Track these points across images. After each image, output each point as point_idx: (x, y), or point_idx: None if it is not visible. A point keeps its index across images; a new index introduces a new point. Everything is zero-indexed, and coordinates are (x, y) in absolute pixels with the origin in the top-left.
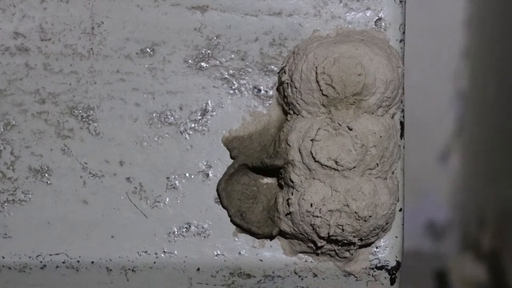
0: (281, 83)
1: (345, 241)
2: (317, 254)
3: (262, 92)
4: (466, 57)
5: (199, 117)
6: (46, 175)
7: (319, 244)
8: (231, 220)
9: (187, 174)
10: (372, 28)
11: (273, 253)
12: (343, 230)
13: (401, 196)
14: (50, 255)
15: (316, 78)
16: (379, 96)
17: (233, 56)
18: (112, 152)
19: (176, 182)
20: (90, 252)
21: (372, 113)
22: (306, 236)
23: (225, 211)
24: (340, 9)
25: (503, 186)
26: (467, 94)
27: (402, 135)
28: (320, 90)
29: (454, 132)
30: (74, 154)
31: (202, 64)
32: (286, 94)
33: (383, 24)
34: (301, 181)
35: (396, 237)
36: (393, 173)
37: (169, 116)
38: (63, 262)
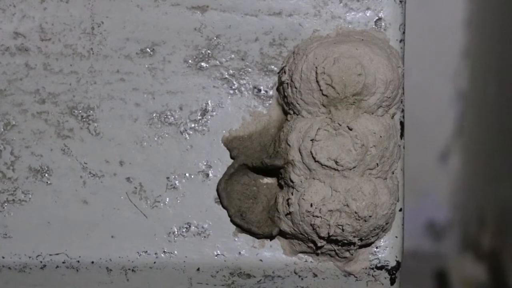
0: (281, 83)
1: (345, 241)
2: (317, 254)
3: (262, 92)
4: (466, 57)
5: (199, 117)
6: (46, 175)
7: (319, 244)
8: (231, 220)
9: (187, 174)
10: (372, 28)
11: (273, 253)
12: (343, 230)
13: (401, 196)
14: (50, 255)
15: (316, 78)
16: (379, 96)
17: (233, 56)
18: (112, 152)
19: (176, 182)
20: (90, 252)
21: (372, 113)
22: (306, 236)
23: (225, 211)
24: (340, 9)
25: (503, 186)
26: (467, 94)
27: (402, 135)
28: (320, 90)
29: (454, 132)
30: (74, 154)
31: (202, 64)
32: (286, 94)
33: (383, 24)
34: (301, 181)
35: (396, 237)
36: (393, 173)
37: (169, 116)
38: (63, 262)
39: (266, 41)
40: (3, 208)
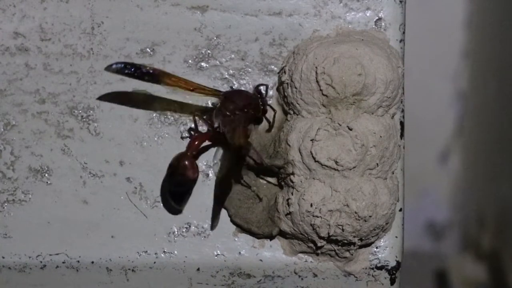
0: (281, 83)
1: (345, 241)
2: (317, 254)
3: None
4: (466, 57)
5: None
6: (46, 175)
7: (319, 244)
8: (231, 220)
9: None
10: (372, 28)
11: (273, 253)
12: (343, 230)
13: (401, 196)
14: (50, 255)
15: (316, 78)
16: (379, 96)
17: (233, 56)
18: (112, 152)
19: None
20: (90, 252)
21: (372, 113)
22: (306, 236)
23: (225, 211)
24: (340, 9)
25: (503, 186)
26: (467, 94)
27: (402, 135)
28: (320, 90)
29: (454, 132)
30: (74, 154)
31: (202, 64)
32: (286, 94)
33: (383, 24)
34: (301, 181)
35: (396, 237)
36: (393, 173)
37: (169, 116)
38: (63, 262)
39: (266, 41)
40: (3, 208)
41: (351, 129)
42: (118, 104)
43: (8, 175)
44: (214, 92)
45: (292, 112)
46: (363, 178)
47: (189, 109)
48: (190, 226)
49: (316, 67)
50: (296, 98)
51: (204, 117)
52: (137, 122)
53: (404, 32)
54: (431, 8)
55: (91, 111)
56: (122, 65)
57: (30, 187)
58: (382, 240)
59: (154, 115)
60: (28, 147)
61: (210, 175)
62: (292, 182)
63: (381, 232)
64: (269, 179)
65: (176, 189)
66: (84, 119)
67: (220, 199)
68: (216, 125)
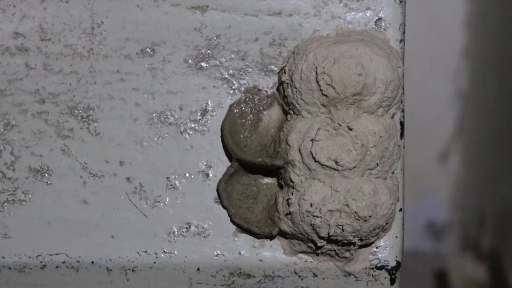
0: (281, 83)
1: (345, 241)
2: (317, 254)
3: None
4: (466, 57)
5: (199, 117)
6: (46, 175)
7: (319, 244)
8: (231, 220)
9: (187, 174)
10: (372, 28)
11: (273, 253)
12: (343, 230)
13: (401, 196)
14: (50, 255)
15: (316, 78)
16: (379, 96)
17: (233, 56)
18: (112, 152)
19: (176, 182)
20: (90, 252)
21: (372, 113)
22: (306, 236)
23: (225, 211)
24: (340, 9)
25: (503, 186)
26: (467, 94)
27: (402, 135)
28: (320, 90)
29: (454, 132)
30: (74, 154)
31: (202, 64)
32: (286, 94)
33: (383, 24)
34: (301, 181)
35: (396, 237)
36: (393, 173)
37: (169, 116)
38: (63, 262)
39: (266, 41)
40: (3, 208)
41: (351, 129)
42: (118, 104)
43: (8, 175)
44: None
45: (292, 112)
46: (363, 178)
47: None
48: (190, 226)
49: (316, 67)
50: (296, 98)
51: None
52: (137, 122)
53: (404, 32)
54: (431, 8)
55: (91, 111)
56: None
57: (30, 187)
58: (382, 240)
59: (154, 115)
60: (28, 147)
61: (210, 175)
62: (292, 182)
63: (381, 232)
64: (269, 179)
65: None
66: (84, 119)
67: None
68: None
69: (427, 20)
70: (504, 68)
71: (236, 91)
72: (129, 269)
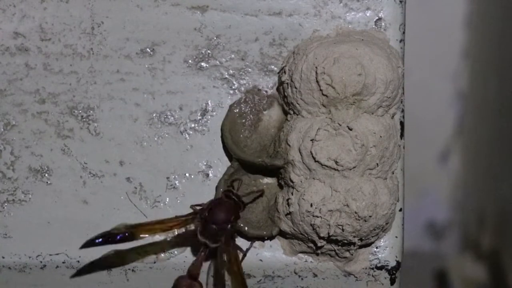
0: (281, 83)
1: (345, 241)
2: (317, 254)
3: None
4: (466, 57)
5: (199, 117)
6: (46, 175)
7: (319, 244)
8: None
9: (187, 174)
10: (372, 28)
11: (273, 253)
12: (343, 230)
13: (401, 196)
14: (50, 255)
15: (316, 78)
16: (379, 96)
17: (233, 56)
18: (112, 152)
19: (176, 182)
20: (90, 252)
21: (372, 113)
22: (306, 236)
23: None
24: (340, 9)
25: (503, 186)
26: (467, 94)
27: (402, 135)
28: (320, 90)
29: (454, 132)
30: (74, 154)
31: (202, 64)
32: (286, 94)
33: (383, 24)
34: (301, 181)
35: (396, 237)
36: (393, 173)
37: (169, 116)
38: (63, 262)
39: (266, 41)
40: (3, 208)
41: (351, 129)
42: (118, 104)
43: (8, 175)
44: (191, 219)
45: (292, 112)
46: (363, 178)
47: (178, 241)
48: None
49: (316, 67)
50: (296, 98)
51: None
52: (137, 122)
53: (404, 32)
54: (431, 8)
55: (91, 111)
56: (93, 239)
57: (30, 187)
58: (382, 240)
59: (154, 115)
60: (28, 147)
61: (210, 175)
62: (292, 182)
63: (381, 232)
64: (269, 179)
65: None
66: (84, 119)
67: None
68: (207, 244)
69: (427, 20)
70: (504, 68)
71: (236, 91)
72: (129, 269)
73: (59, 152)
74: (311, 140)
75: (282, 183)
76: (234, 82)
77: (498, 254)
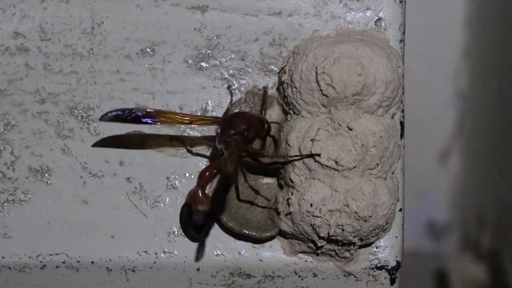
0: (281, 83)
1: (345, 241)
2: (317, 254)
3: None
4: (466, 57)
5: None
6: (46, 175)
7: (319, 244)
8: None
9: (187, 174)
10: (372, 28)
11: (273, 253)
12: (343, 230)
13: (401, 196)
14: (50, 255)
15: (316, 78)
16: (379, 96)
17: (233, 56)
18: (112, 152)
19: (176, 182)
20: (90, 252)
21: (372, 113)
22: (306, 236)
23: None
24: (340, 9)
25: (503, 186)
26: (467, 94)
27: (402, 135)
28: (320, 90)
29: (454, 132)
30: (74, 154)
31: (202, 64)
32: (286, 94)
33: (383, 24)
34: (301, 181)
35: (396, 237)
36: (393, 173)
37: None
38: (63, 262)
39: (266, 41)
40: (3, 208)
41: (351, 129)
42: (118, 104)
43: (8, 175)
44: (213, 120)
45: (292, 112)
46: (363, 178)
47: (191, 141)
48: None
49: (316, 67)
50: (296, 98)
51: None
52: None
53: (404, 32)
54: (431, 8)
55: (91, 111)
56: (116, 112)
57: (30, 187)
58: (382, 240)
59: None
60: (28, 147)
61: None
62: (292, 182)
63: (381, 232)
64: (269, 179)
65: (194, 222)
66: (84, 119)
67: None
68: (220, 152)
69: (427, 20)
70: (504, 68)
71: (236, 91)
72: (129, 269)
73: (59, 152)
74: (311, 140)
75: (282, 183)
76: (234, 82)
77: (498, 254)
